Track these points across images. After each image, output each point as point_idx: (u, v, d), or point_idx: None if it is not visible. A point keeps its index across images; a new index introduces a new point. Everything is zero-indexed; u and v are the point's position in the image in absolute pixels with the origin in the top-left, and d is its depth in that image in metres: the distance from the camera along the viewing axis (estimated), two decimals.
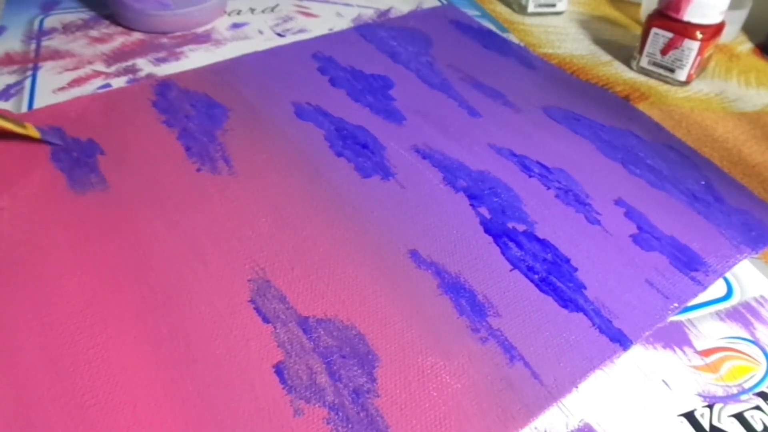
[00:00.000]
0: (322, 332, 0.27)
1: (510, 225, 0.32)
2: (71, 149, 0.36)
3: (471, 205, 0.33)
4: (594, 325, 0.28)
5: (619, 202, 0.34)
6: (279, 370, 0.25)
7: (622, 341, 0.27)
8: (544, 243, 0.32)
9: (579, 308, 0.28)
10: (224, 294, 0.28)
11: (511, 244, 0.31)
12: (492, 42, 0.49)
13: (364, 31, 0.49)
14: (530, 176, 0.36)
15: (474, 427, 0.24)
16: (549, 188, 0.35)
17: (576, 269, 0.30)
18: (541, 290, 0.29)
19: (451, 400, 0.24)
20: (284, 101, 0.41)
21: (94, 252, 0.30)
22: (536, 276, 0.30)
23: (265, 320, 0.27)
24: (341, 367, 0.25)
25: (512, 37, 0.51)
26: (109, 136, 0.37)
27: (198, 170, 0.35)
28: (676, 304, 0.29)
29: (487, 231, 0.32)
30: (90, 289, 0.28)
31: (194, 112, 0.39)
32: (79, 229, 0.31)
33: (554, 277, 0.30)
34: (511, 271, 0.30)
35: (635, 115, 0.41)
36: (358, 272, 0.29)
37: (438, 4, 0.55)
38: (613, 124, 0.40)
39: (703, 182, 0.36)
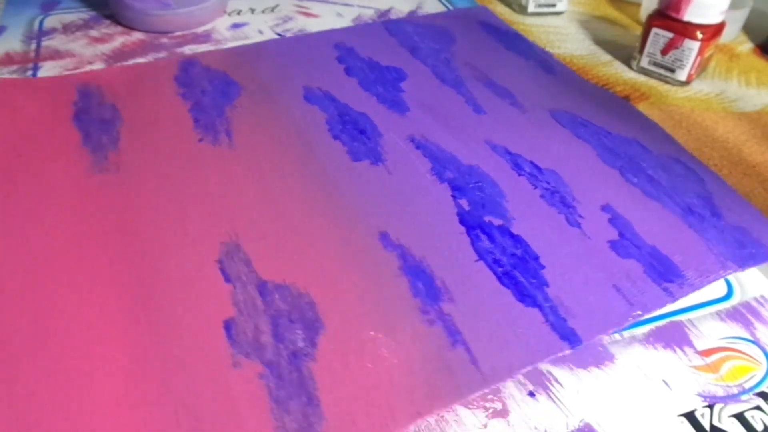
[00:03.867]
0: (277, 297, 0.28)
1: (486, 219, 0.33)
2: (93, 111, 0.39)
3: (453, 196, 0.34)
4: (547, 321, 0.28)
5: (606, 208, 0.34)
6: (228, 326, 0.26)
7: (571, 340, 0.27)
8: (516, 239, 0.31)
9: (536, 304, 0.28)
10: (196, 251, 0.30)
11: (483, 237, 0.32)
12: (515, 44, 0.49)
13: (390, 25, 0.51)
14: (520, 174, 0.36)
15: (400, 400, 0.24)
16: (536, 188, 0.35)
17: (543, 267, 0.30)
18: (502, 283, 0.29)
19: (384, 373, 0.25)
20: (296, 84, 0.42)
21: (89, 201, 0.32)
22: (500, 269, 0.30)
23: (227, 280, 0.28)
24: (286, 330, 0.26)
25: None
26: (129, 104, 0.40)
27: (200, 140, 0.37)
28: (639, 312, 0.28)
29: (462, 222, 0.32)
30: (77, 232, 0.30)
31: (210, 88, 0.41)
32: (81, 181, 0.33)
33: (518, 272, 0.30)
34: (476, 261, 0.30)
35: (647, 125, 0.40)
36: (326, 246, 0.30)
37: (439, 4, 0.56)
38: (620, 132, 0.40)
39: (703, 196, 0.35)
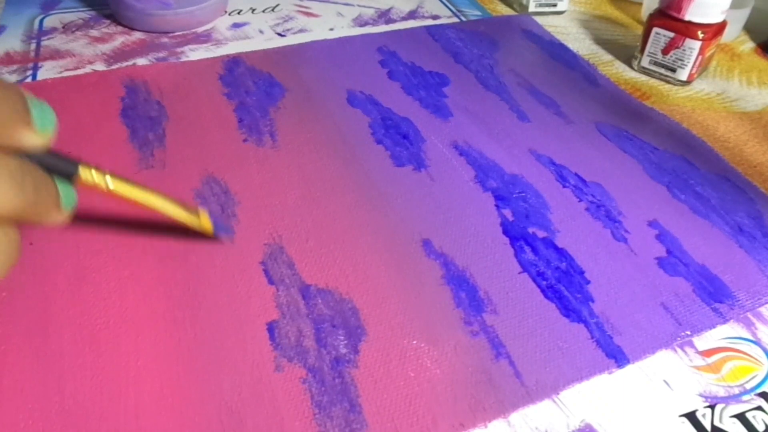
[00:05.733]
0: (320, 301, 0.28)
1: (530, 230, 0.32)
2: (140, 108, 0.39)
3: (496, 205, 0.33)
4: (593, 337, 0.27)
5: (653, 224, 0.33)
6: (271, 328, 0.26)
7: (618, 358, 0.26)
8: (561, 252, 0.31)
9: (581, 319, 0.28)
10: (240, 252, 0.30)
11: (527, 248, 0.31)
12: (560, 55, 0.48)
13: (433, 30, 0.50)
14: (564, 186, 0.35)
15: (442, 410, 0.24)
16: (581, 200, 0.34)
17: (588, 282, 0.30)
18: (546, 296, 0.29)
19: (426, 382, 0.25)
20: (339, 87, 0.42)
21: None
22: (544, 282, 0.29)
23: (270, 282, 0.28)
24: (329, 335, 0.26)
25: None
26: (174, 101, 0.40)
27: (245, 141, 0.37)
28: (688, 332, 0.28)
29: (505, 232, 0.32)
30: (122, 230, 0.31)
31: (254, 89, 0.42)
32: (128, 176, 0.34)
33: (563, 285, 0.29)
34: (519, 273, 0.30)
35: (695, 143, 0.40)
36: (368, 252, 0.30)
37: (440, 5, 0.55)
38: (667, 148, 0.39)
39: (753, 216, 0.34)
